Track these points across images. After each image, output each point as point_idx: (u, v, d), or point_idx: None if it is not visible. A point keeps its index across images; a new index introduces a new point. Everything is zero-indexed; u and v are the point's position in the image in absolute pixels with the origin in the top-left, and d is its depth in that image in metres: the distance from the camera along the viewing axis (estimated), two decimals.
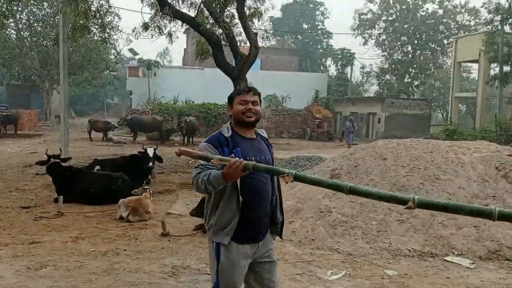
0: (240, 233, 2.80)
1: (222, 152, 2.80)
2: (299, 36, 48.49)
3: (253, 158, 2.80)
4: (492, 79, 25.24)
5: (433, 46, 39.75)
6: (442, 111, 41.61)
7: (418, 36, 39.11)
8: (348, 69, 39.08)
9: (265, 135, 3.10)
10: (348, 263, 5.14)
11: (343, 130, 26.47)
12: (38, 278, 4.54)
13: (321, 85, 36.71)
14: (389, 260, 5.26)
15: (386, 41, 41.27)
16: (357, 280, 4.68)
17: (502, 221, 2.06)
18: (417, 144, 7.51)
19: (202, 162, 2.79)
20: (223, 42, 13.19)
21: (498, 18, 24.44)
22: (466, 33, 33.74)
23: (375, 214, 6.03)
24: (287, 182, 2.55)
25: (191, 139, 21.54)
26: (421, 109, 30.67)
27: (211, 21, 13.45)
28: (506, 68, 24.36)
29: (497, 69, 25.23)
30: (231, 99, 3.00)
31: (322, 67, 46.88)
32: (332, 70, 43.50)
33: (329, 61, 44.75)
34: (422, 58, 39.71)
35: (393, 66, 39.62)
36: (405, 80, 39.29)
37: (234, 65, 13.16)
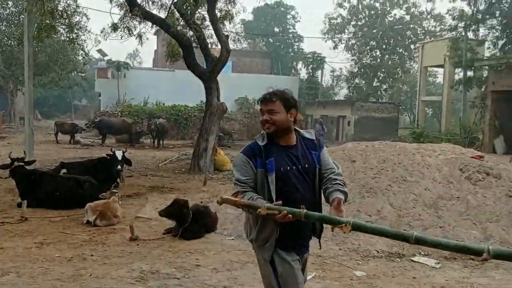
0: (285, 243, 2.77)
1: (255, 163, 2.75)
2: (270, 39, 48.70)
3: (288, 168, 2.75)
4: (456, 83, 26.06)
5: (400, 51, 40.67)
6: (409, 114, 42.58)
7: (386, 41, 39.93)
8: (319, 72, 39.54)
9: (310, 136, 2.92)
10: (318, 265, 5.18)
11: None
12: (0, 286, 4.38)
13: (292, 88, 35.80)
14: (358, 261, 5.33)
15: (355, 46, 41.96)
16: (326, 282, 4.72)
17: None
18: (385, 147, 7.66)
19: (239, 177, 2.74)
20: (194, 44, 13.13)
21: (462, 24, 25.27)
22: (432, 38, 34.69)
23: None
24: (344, 232, 2.40)
25: (161, 141, 21.29)
26: (389, 112, 31.32)
27: (181, 23, 13.37)
28: (470, 73, 25.18)
29: (461, 74, 26.06)
30: None
31: (293, 70, 47.24)
32: (303, 73, 43.94)
33: (300, 65, 45.19)
34: (390, 62, 40.57)
35: (362, 70, 40.32)
36: (374, 83, 40.06)
37: (205, 67, 13.11)
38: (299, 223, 2.63)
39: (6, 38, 29.84)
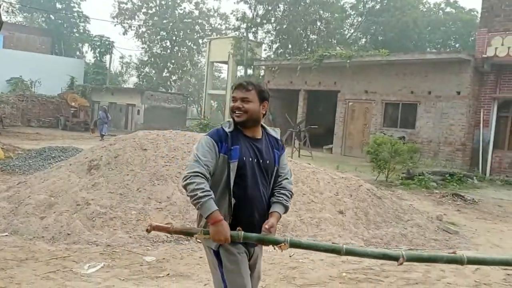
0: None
1: (220, 147, 2.61)
2: (51, 16, 44.09)
3: (250, 159, 2.65)
4: (238, 80, 28.54)
5: (189, 44, 42.11)
6: (197, 106, 44.61)
7: (176, 32, 40.78)
8: (107, 57, 37.88)
9: (275, 134, 2.86)
10: (106, 255, 5.06)
11: (95, 121, 25.57)
12: None
13: (77, 72, 34.46)
14: (148, 248, 5.41)
15: (146, 34, 41.61)
16: (116, 270, 4.66)
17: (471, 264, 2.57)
18: (176, 136, 7.91)
19: (200, 156, 2.57)
20: None
21: (244, 26, 27.76)
22: (218, 35, 37.01)
23: (135, 204, 6.10)
24: (282, 250, 2.43)
25: None
26: (178, 103, 32.22)
27: None
28: (250, 71, 27.91)
29: (243, 71, 28.66)
30: None
31: (78, 52, 43.99)
32: (90, 57, 41.38)
33: (86, 47, 42.35)
34: (179, 54, 41.62)
35: (152, 59, 40.32)
36: (164, 74, 40.54)
37: None
38: (252, 216, 2.65)
39: None
